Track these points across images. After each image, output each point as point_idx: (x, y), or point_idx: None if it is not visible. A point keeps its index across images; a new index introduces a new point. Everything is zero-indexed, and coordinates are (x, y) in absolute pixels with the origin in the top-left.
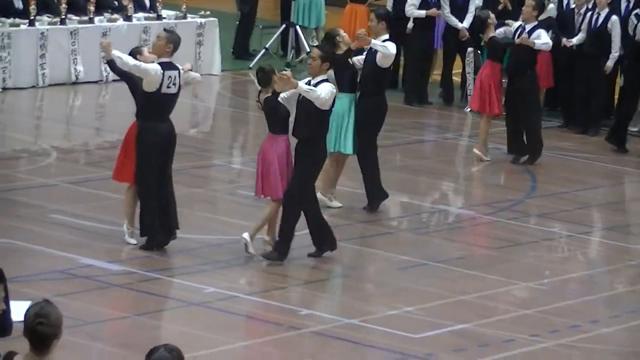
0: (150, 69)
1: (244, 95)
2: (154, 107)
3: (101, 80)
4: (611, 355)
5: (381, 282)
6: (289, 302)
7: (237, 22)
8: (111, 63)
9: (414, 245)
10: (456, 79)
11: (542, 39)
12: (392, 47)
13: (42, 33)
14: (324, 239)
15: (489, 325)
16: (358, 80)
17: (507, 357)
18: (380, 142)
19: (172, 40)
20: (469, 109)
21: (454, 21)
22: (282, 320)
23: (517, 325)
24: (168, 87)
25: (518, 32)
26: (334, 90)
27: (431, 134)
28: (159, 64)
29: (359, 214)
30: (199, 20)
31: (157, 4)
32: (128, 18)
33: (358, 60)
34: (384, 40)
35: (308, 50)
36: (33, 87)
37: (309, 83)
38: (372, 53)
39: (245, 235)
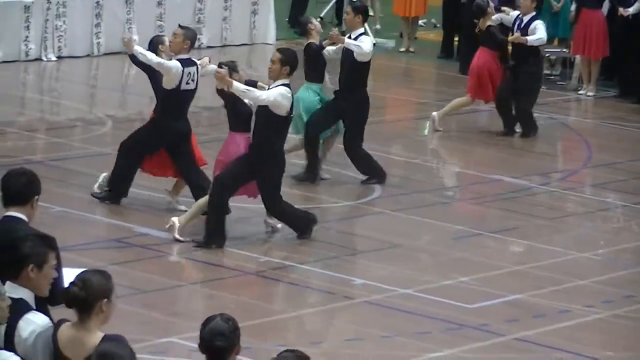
0: (172, 66)
1: (299, 65)
2: (173, 104)
3: None
4: None
5: (435, 252)
6: (343, 272)
7: None
8: (132, 57)
9: (469, 215)
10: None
11: (537, 33)
12: (366, 44)
13: (97, 2)
14: (303, 225)
15: (543, 295)
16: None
17: (561, 328)
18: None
19: (189, 37)
20: None
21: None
22: (335, 289)
23: (572, 295)
24: (187, 83)
25: (516, 24)
26: (288, 95)
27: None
28: (178, 60)
29: (414, 184)
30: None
31: None
32: None
33: (327, 51)
34: (359, 35)
35: None
36: (88, 55)
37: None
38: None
39: (175, 219)
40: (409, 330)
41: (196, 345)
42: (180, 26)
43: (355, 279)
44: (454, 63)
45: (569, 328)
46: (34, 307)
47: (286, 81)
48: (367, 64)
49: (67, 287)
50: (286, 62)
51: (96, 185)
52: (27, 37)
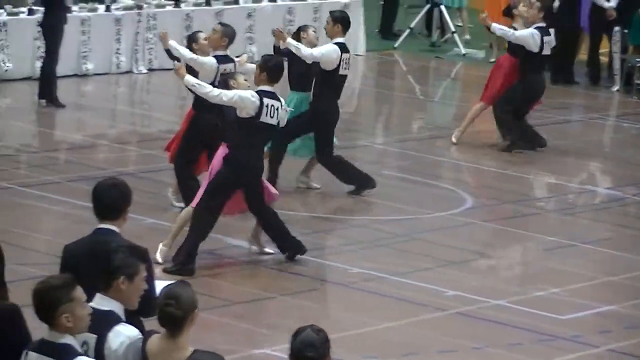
0: (205, 62)
1: (389, 75)
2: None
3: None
4: None
5: (527, 262)
6: (435, 283)
7: (382, 2)
8: (168, 51)
9: (561, 226)
10: (603, 58)
11: (518, 32)
12: (306, 49)
13: (187, 14)
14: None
15: (636, 306)
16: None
17: None
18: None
19: (227, 34)
20: (615, 88)
21: (601, 0)
22: (427, 301)
23: None
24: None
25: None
26: (253, 99)
27: (577, 113)
28: (215, 57)
29: (506, 195)
30: (343, 0)
31: None
32: None
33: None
34: (335, 43)
35: (453, 29)
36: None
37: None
38: None
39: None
40: (501, 341)
41: (286, 357)
42: (220, 23)
43: (447, 290)
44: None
45: None
46: (124, 319)
47: (269, 88)
48: (333, 73)
49: (162, 306)
50: (263, 68)
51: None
52: (118, 49)
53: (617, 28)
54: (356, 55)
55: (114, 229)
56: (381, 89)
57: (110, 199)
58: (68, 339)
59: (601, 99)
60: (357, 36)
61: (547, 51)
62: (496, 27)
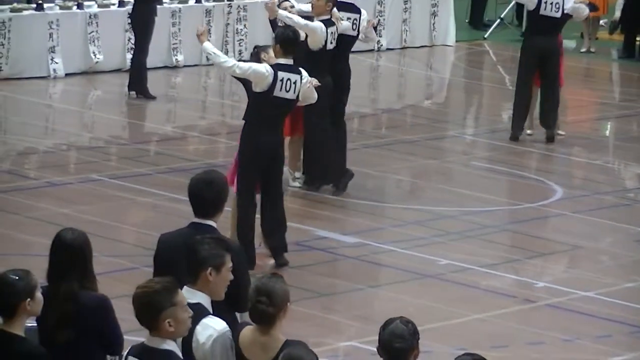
0: (317, 27)
1: (478, 66)
2: (321, 62)
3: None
4: None
5: (617, 254)
6: (524, 275)
7: None
8: (272, 22)
9: None
10: None
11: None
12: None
13: (207, 10)
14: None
15: None
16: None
17: None
18: (618, 112)
19: None
20: None
21: None
22: (517, 292)
23: None
24: (330, 42)
25: None
26: (266, 74)
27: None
28: (321, 21)
29: (596, 185)
30: None
31: None
32: None
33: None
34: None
35: None
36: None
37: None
38: None
39: None
40: (591, 333)
41: (375, 349)
42: None
43: (537, 281)
44: (635, 63)
45: None
46: (211, 311)
47: (282, 61)
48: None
49: (254, 303)
50: (277, 40)
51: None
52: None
53: None
54: (445, 45)
55: (211, 224)
56: (471, 79)
57: (208, 197)
58: (170, 345)
59: None
60: (447, 26)
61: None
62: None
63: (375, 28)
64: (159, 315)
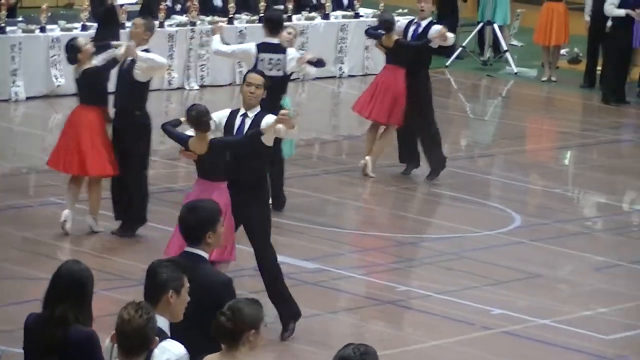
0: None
1: (439, 93)
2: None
3: (298, 79)
4: None
5: (576, 282)
6: (481, 302)
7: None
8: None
9: (610, 245)
10: None
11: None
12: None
13: (240, 31)
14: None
15: None
16: None
17: None
18: (578, 141)
19: (149, 27)
20: None
21: None
22: (474, 319)
23: None
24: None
25: (412, 29)
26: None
27: (629, 133)
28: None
29: (554, 214)
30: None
31: (355, 2)
32: (326, 16)
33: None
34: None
35: (505, 48)
36: (230, 84)
37: (244, 116)
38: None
39: None
40: None
41: None
42: (142, 17)
43: (494, 309)
44: (596, 92)
45: None
46: (169, 334)
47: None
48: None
49: (217, 317)
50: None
51: None
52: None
53: None
54: None
55: (200, 253)
56: (436, 108)
57: (189, 223)
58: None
59: None
60: None
61: None
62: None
63: (315, 62)
64: (149, 344)
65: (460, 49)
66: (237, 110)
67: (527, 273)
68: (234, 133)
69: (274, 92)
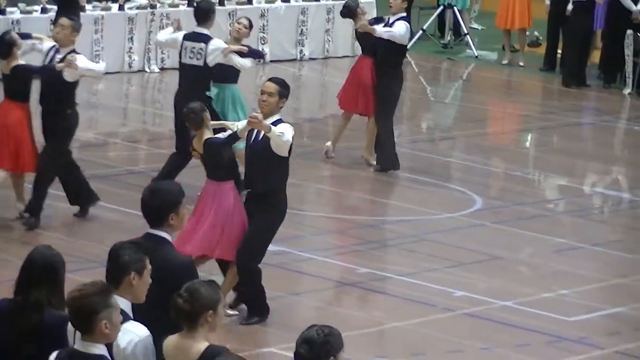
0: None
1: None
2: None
3: (259, 61)
4: None
5: (537, 264)
6: (443, 284)
7: None
8: None
9: (571, 228)
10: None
11: (394, 28)
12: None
13: (129, 17)
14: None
15: None
16: None
17: None
18: (538, 123)
19: (76, 28)
20: (627, 91)
21: (628, 3)
22: (435, 301)
23: None
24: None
25: (384, 24)
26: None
27: (589, 116)
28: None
29: (515, 196)
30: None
31: None
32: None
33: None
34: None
35: (466, 31)
36: (118, 72)
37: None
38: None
39: None
40: (509, 342)
41: (292, 356)
42: (69, 18)
43: (456, 290)
44: (557, 75)
45: None
46: (132, 316)
47: (279, 116)
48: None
49: (174, 298)
50: (284, 93)
51: None
52: (130, 48)
53: (629, 31)
54: None
55: (163, 235)
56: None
57: (150, 205)
58: (101, 349)
59: (613, 101)
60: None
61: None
62: (381, 30)
63: (249, 53)
64: (96, 317)
65: (420, 32)
66: None
67: (488, 255)
68: (251, 140)
69: (195, 82)
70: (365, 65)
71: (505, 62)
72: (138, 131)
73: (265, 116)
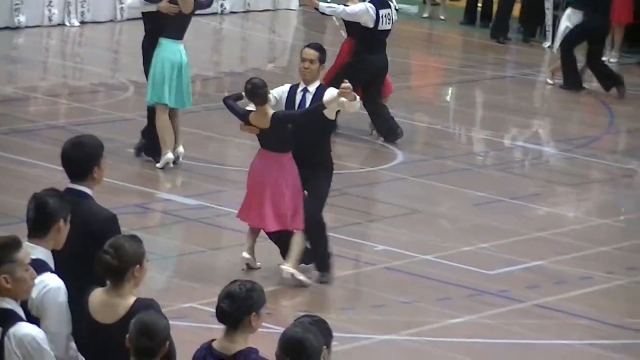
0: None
1: (321, 30)
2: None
3: None
4: None
5: (456, 218)
6: (364, 238)
7: None
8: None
9: (491, 181)
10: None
11: (342, 6)
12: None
13: None
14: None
15: (564, 262)
16: None
17: (583, 295)
18: (459, 77)
19: None
20: (547, 45)
21: None
22: (357, 255)
23: (593, 262)
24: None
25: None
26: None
27: (510, 69)
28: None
29: (436, 150)
30: None
31: None
32: None
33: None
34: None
35: None
36: (111, 21)
37: (304, 91)
38: None
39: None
40: (430, 296)
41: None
42: None
43: (377, 245)
44: (477, 29)
45: (590, 294)
46: (53, 267)
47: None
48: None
49: (100, 255)
50: (323, 59)
51: None
52: (50, 2)
53: None
54: (289, 9)
55: (85, 190)
56: None
57: (75, 158)
58: (9, 303)
59: (533, 55)
60: None
61: (385, 26)
62: (324, 6)
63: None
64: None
65: None
66: (297, 86)
67: (409, 209)
68: (296, 108)
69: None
70: (347, 46)
71: (425, 15)
72: (58, 85)
73: (308, 83)
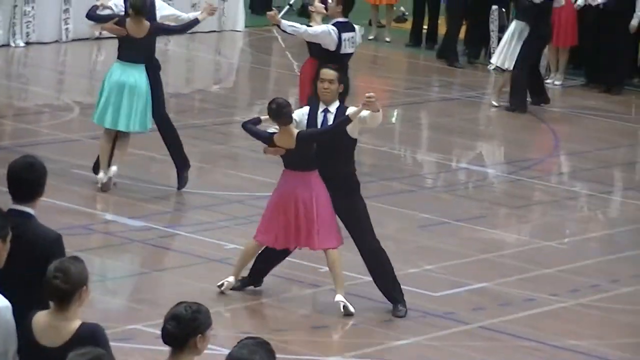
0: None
1: (267, 51)
2: None
3: None
4: (631, 315)
5: (401, 239)
6: (309, 259)
7: None
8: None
9: (435, 203)
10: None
11: (305, 26)
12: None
13: None
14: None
15: (508, 284)
16: None
17: (527, 316)
18: (405, 99)
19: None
20: (492, 67)
21: None
22: (302, 277)
23: (537, 284)
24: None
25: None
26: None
27: (456, 91)
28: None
29: (382, 172)
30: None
31: None
32: None
33: None
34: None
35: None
36: (56, 41)
37: (325, 111)
38: None
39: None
40: (375, 318)
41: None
42: None
43: (321, 266)
44: (422, 51)
45: (534, 316)
46: None
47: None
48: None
49: (49, 279)
50: (342, 79)
51: None
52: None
53: (494, 6)
54: (234, 31)
55: (29, 211)
56: (259, 65)
57: (28, 179)
58: None
59: (478, 77)
60: (236, 12)
61: (347, 49)
62: (286, 24)
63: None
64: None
65: (287, 7)
66: (317, 107)
67: None
68: (321, 126)
69: None
70: (309, 66)
71: (371, 37)
72: (3, 106)
73: (328, 103)
